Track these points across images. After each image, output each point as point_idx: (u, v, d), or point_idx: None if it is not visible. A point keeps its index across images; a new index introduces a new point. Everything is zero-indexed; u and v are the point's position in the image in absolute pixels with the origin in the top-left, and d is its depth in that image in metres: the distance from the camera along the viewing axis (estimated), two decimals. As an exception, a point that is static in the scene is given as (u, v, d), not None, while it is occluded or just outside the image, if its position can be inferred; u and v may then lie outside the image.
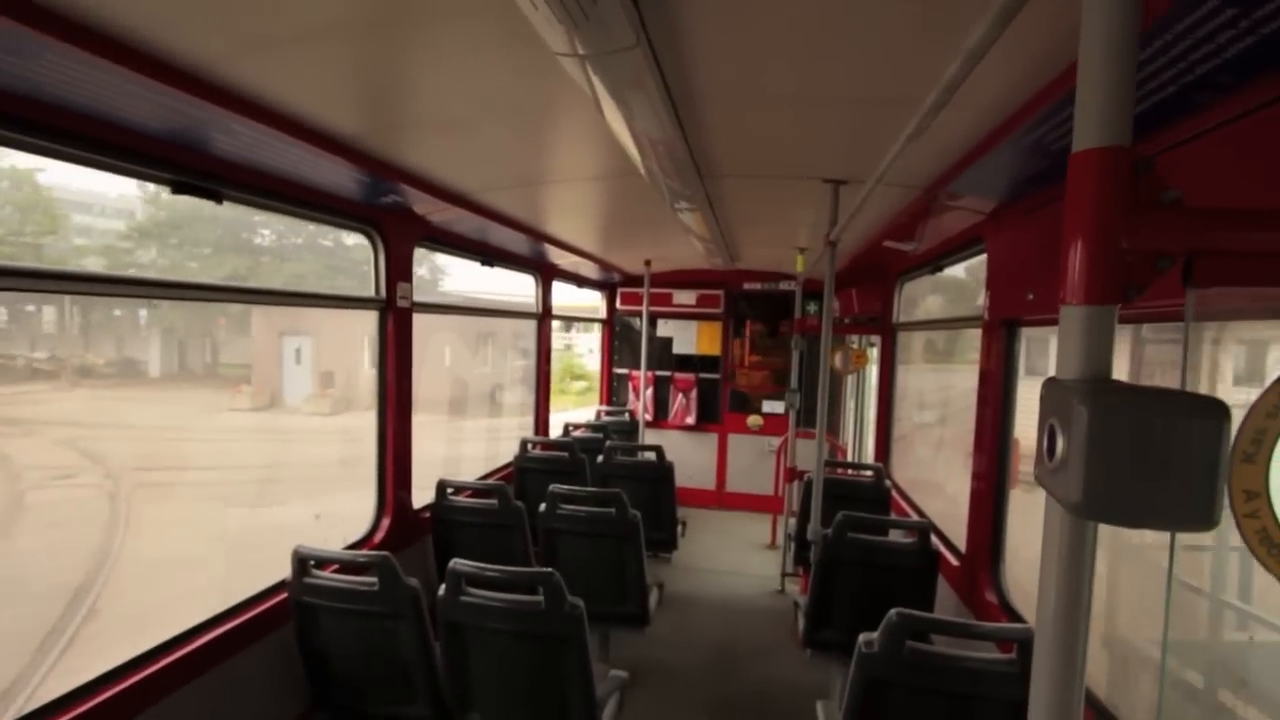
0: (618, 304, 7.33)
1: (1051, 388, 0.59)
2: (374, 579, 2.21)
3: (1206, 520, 0.50)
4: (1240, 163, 1.29)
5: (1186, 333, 0.62)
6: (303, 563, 2.28)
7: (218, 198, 2.22)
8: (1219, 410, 0.50)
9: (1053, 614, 0.62)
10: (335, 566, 2.47)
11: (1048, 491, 0.59)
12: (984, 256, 3.00)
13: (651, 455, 4.43)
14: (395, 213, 3.11)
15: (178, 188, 2.08)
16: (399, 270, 3.23)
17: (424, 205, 3.11)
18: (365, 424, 3.24)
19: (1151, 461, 0.50)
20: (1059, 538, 0.60)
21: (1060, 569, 0.60)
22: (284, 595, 2.40)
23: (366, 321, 3.11)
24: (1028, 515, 3.12)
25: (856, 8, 1.38)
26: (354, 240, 3.10)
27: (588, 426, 6.26)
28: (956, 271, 4.11)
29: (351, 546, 3.12)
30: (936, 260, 3.87)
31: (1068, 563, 0.59)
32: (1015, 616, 2.68)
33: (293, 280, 12.59)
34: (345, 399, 11.60)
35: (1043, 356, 3.57)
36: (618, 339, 7.45)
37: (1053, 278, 2.31)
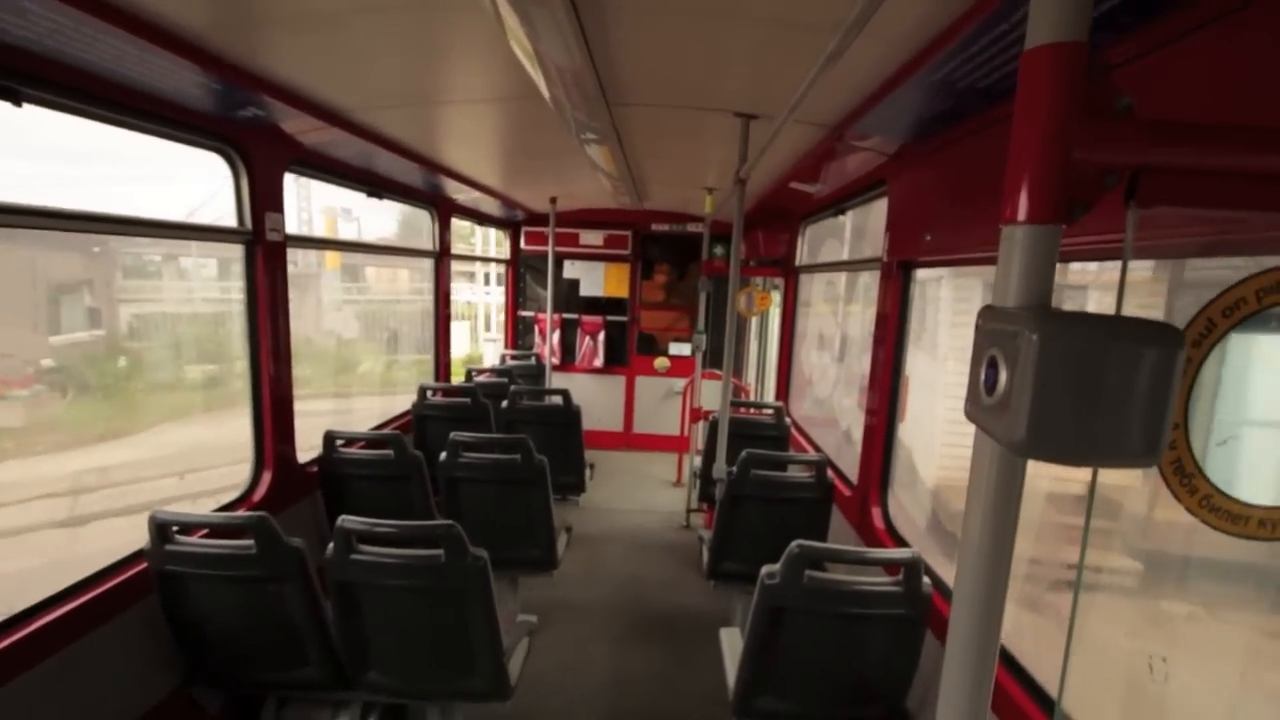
0: (522, 244, 7.02)
1: (991, 316, 0.54)
2: (250, 541, 2.00)
3: (1152, 454, 0.48)
4: (1197, 77, 1.25)
5: (1126, 257, 0.59)
6: (162, 529, 2.02)
7: (14, 98, 1.80)
8: (1175, 337, 0.47)
9: (976, 556, 0.59)
10: (204, 531, 2.22)
11: (983, 429, 0.55)
12: (885, 201, 3.06)
13: (558, 399, 4.34)
14: (258, 129, 2.70)
15: None
16: (267, 198, 2.84)
17: (294, 123, 2.72)
18: None
19: (1101, 394, 0.47)
20: (989, 477, 0.57)
21: (989, 509, 0.57)
22: (143, 565, 2.14)
23: None
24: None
25: None
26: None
27: (492, 371, 6.05)
28: (859, 218, 4.21)
29: (227, 507, 2.84)
30: (839, 203, 3.93)
31: (997, 503, 0.57)
32: (899, 539, 2.89)
33: None
34: None
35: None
36: (522, 280, 7.18)
37: (950, 218, 2.37)
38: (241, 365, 2.86)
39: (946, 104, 2.08)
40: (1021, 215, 0.53)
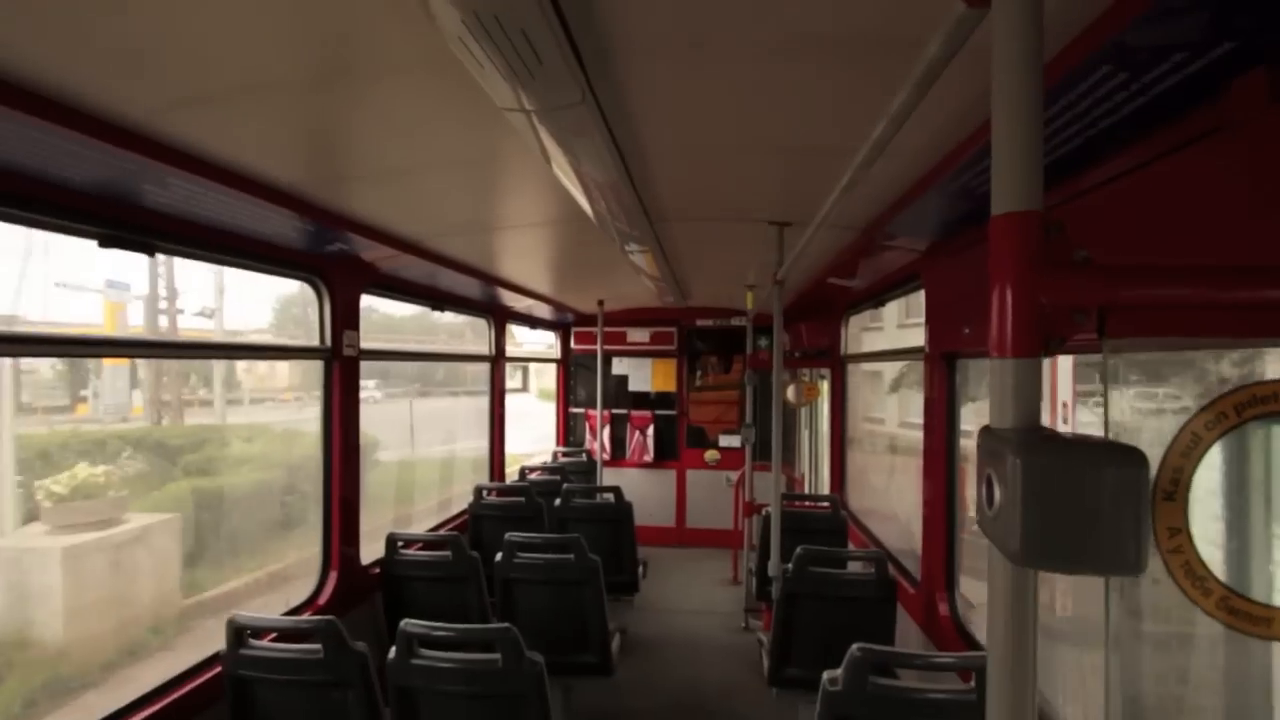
0: (572, 343, 7.32)
1: (987, 437, 0.62)
2: (318, 646, 2.08)
3: (1135, 565, 0.52)
4: (1139, 214, 1.40)
5: (1105, 377, 0.66)
6: (239, 633, 2.13)
7: (150, 250, 2.13)
8: (1139, 459, 0.53)
9: (1001, 654, 0.63)
10: (274, 635, 2.32)
11: (990, 539, 0.61)
12: (923, 291, 3.14)
13: (610, 496, 4.38)
14: (341, 260, 3.05)
15: (105, 241, 1.99)
16: (345, 318, 3.15)
17: (371, 252, 3.06)
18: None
19: (1082, 510, 0.53)
20: (1004, 582, 0.62)
21: (1007, 613, 0.62)
22: (215, 670, 2.24)
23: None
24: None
25: (789, 72, 1.46)
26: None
27: (544, 469, 6.16)
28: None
29: (294, 610, 2.95)
30: (879, 295, 4.03)
31: (1013, 607, 0.61)
32: (969, 639, 2.73)
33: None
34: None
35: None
36: (573, 378, 7.42)
37: (986, 312, 2.44)
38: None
39: (968, 207, 2.19)
40: (1006, 351, 0.61)
